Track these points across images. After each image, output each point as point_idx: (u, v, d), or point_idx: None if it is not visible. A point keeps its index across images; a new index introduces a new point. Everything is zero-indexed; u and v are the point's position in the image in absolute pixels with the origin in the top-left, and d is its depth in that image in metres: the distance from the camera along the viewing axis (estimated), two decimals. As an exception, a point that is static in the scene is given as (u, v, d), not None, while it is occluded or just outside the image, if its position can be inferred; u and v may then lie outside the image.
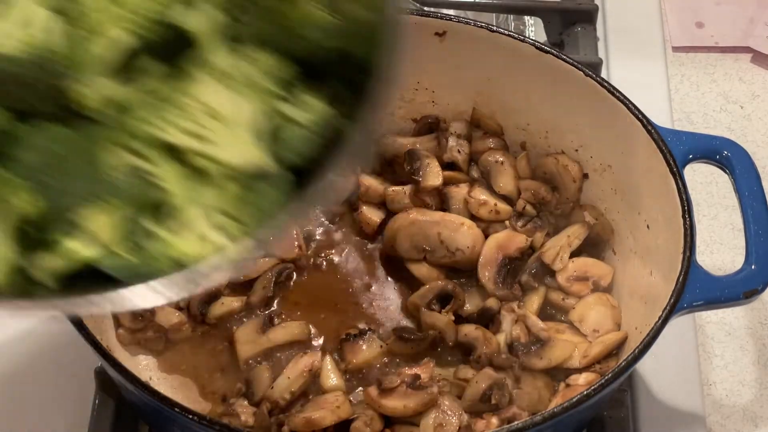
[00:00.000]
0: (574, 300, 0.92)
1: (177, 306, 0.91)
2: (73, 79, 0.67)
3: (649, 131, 0.87)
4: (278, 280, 0.94)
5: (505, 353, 0.88)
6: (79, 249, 0.67)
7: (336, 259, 0.98)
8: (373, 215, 0.98)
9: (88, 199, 0.68)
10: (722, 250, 1.06)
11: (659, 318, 0.78)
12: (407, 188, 0.97)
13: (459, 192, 0.96)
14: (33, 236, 0.68)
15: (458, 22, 0.95)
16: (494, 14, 1.24)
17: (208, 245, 0.66)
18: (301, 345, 0.91)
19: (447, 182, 0.97)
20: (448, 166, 0.98)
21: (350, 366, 0.89)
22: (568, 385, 0.87)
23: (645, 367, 0.94)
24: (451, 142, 0.99)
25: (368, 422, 0.83)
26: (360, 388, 0.88)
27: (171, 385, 0.89)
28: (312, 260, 0.97)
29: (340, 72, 0.71)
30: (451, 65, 0.98)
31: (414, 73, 0.99)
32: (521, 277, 0.93)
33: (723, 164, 0.87)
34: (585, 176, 0.97)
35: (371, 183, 0.98)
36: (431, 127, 1.01)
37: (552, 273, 0.93)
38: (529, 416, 0.77)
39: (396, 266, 0.96)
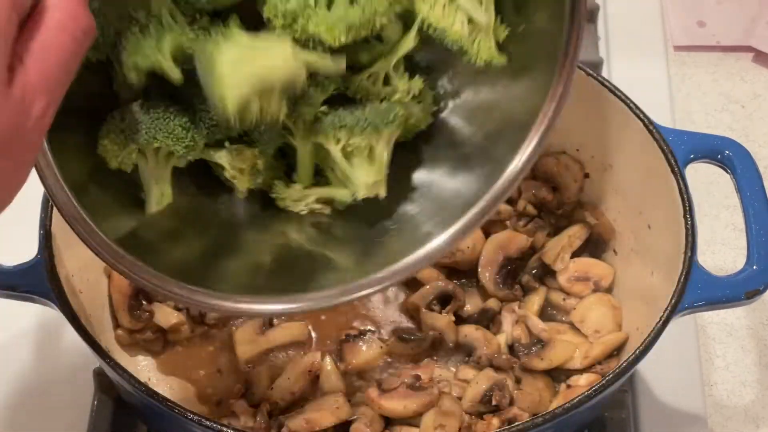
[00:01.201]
0: (575, 301, 0.92)
1: (176, 307, 0.91)
2: None
3: (650, 131, 0.87)
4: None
5: (505, 354, 0.88)
6: None
7: (336, 259, 0.98)
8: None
9: None
10: (724, 250, 1.06)
11: (660, 318, 0.78)
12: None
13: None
14: None
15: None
16: (495, 13, 1.24)
17: None
18: (301, 346, 0.91)
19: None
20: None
21: (350, 367, 0.89)
22: (569, 386, 0.87)
23: (646, 367, 0.93)
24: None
25: (368, 423, 0.82)
26: (360, 390, 0.87)
27: (170, 386, 0.89)
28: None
29: None
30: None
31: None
32: (522, 277, 0.93)
33: (724, 164, 0.87)
34: (586, 176, 0.97)
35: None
36: (431, 127, 1.01)
37: (553, 273, 0.93)
38: (530, 417, 0.77)
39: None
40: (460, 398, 0.85)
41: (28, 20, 0.53)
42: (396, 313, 0.94)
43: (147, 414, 0.85)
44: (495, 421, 0.82)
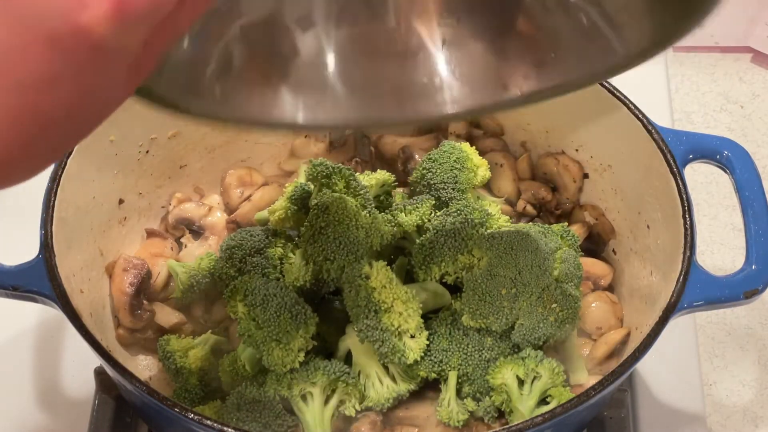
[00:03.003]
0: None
1: (177, 306, 0.92)
2: None
3: (649, 131, 0.87)
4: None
5: None
6: None
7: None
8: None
9: None
10: (722, 250, 1.06)
11: (659, 318, 0.78)
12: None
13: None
14: None
15: (459, 21, 0.95)
16: (494, 14, 1.24)
17: None
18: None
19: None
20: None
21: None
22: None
23: (645, 367, 0.94)
24: (451, 141, 0.99)
25: (369, 423, 0.83)
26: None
27: (171, 385, 0.89)
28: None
29: None
30: (451, 65, 0.97)
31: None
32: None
33: (723, 164, 0.87)
34: (585, 176, 0.97)
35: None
36: (431, 126, 1.01)
37: (552, 273, 0.93)
38: (530, 417, 0.77)
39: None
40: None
41: None
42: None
43: (148, 413, 0.85)
44: (496, 424, 0.83)
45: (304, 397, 0.79)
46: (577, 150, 0.97)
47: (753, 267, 0.82)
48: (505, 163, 0.98)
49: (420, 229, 0.87)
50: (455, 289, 0.85)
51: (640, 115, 0.88)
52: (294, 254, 0.86)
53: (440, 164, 0.90)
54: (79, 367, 0.93)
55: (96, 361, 0.79)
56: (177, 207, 0.96)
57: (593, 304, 0.90)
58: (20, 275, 0.80)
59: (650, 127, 0.87)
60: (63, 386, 0.94)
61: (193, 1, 0.48)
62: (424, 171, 0.91)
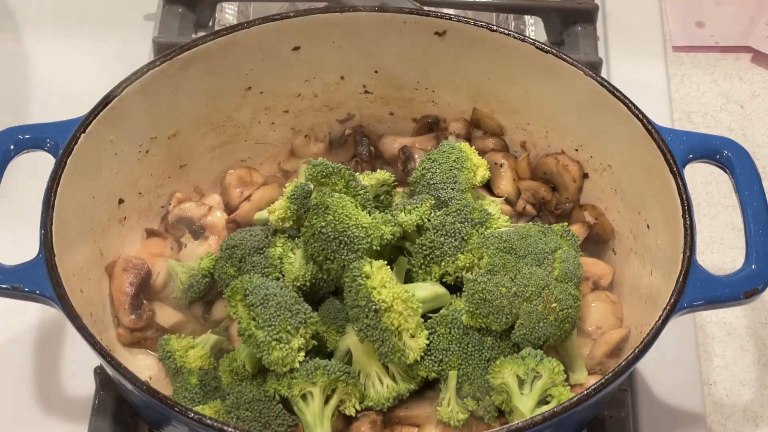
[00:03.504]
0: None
1: (177, 306, 0.92)
2: None
3: (649, 131, 0.87)
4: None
5: None
6: None
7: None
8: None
9: None
10: (722, 249, 1.06)
11: (659, 318, 0.78)
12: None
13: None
14: None
15: (458, 21, 0.95)
16: (494, 14, 1.24)
17: None
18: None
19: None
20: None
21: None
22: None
23: (645, 366, 0.94)
24: (451, 141, 0.99)
25: (369, 423, 0.83)
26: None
27: (171, 385, 0.89)
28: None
29: None
30: (451, 65, 0.98)
31: (414, 72, 0.99)
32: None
33: (723, 164, 0.87)
34: (585, 176, 0.97)
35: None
36: (431, 126, 1.02)
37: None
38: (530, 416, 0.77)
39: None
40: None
41: None
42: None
43: (148, 413, 0.85)
44: (496, 423, 0.83)
45: (304, 397, 0.80)
46: (577, 150, 0.97)
47: (753, 267, 0.82)
48: (505, 163, 0.98)
49: (420, 229, 0.87)
50: (455, 289, 0.85)
51: (640, 115, 0.88)
52: (294, 254, 0.86)
53: (440, 164, 0.90)
54: (79, 367, 0.93)
55: (96, 360, 0.79)
56: (177, 207, 0.97)
57: (593, 304, 0.90)
58: (20, 275, 0.80)
59: (650, 127, 0.87)
60: (63, 386, 0.94)
61: None
62: (424, 171, 0.91)
